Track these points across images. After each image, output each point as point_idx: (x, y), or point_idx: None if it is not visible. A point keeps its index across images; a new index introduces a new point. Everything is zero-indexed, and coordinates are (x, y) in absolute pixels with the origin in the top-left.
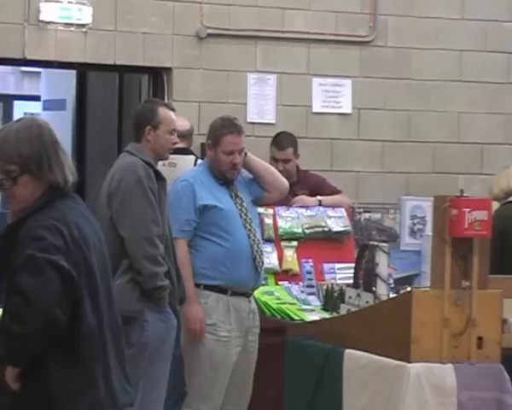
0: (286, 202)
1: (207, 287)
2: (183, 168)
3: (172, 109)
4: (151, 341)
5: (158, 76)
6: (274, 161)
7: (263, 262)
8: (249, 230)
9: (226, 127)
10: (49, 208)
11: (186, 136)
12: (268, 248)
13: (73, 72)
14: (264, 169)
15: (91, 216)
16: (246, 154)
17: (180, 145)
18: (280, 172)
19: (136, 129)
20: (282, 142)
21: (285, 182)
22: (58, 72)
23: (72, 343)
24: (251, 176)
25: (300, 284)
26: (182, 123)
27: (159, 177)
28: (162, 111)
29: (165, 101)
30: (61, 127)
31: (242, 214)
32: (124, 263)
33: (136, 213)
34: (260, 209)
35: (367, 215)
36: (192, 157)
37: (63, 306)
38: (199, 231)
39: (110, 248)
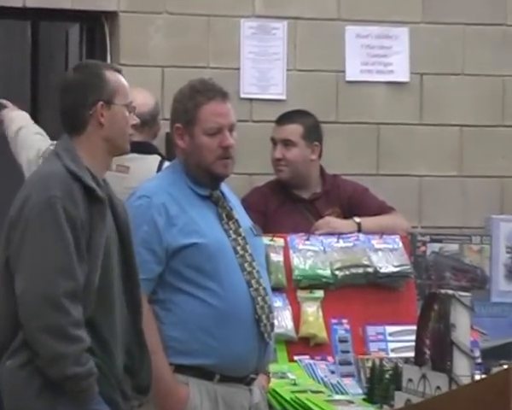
0: (304, 226)
1: (182, 369)
2: (140, 176)
3: (119, 71)
4: None
5: (95, 26)
6: (272, 144)
7: (272, 326)
8: (249, 273)
9: (202, 93)
10: None
11: (146, 121)
12: (277, 301)
13: None
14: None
15: None
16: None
17: (135, 138)
18: (277, 161)
19: (74, 112)
20: (286, 116)
21: None
22: None
23: None
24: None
25: (330, 359)
26: (142, 99)
27: (93, 197)
28: (112, 76)
29: (108, 63)
30: None
31: (239, 248)
32: (20, 336)
33: (36, 257)
34: (265, 239)
35: (436, 246)
36: (155, 157)
37: None
38: (170, 276)
39: (1, 311)
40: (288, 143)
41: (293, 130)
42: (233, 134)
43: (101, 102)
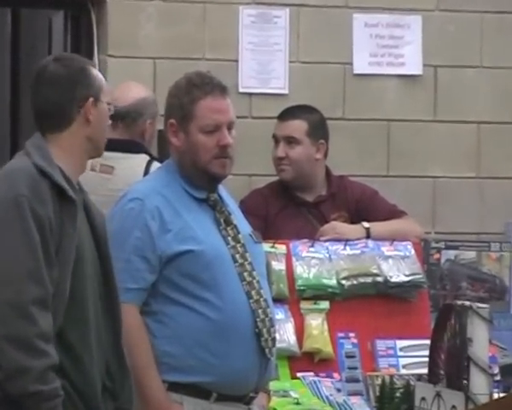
0: (308, 232)
1: (177, 387)
2: (125, 177)
3: (94, 66)
4: None
5: (81, 13)
6: (274, 142)
7: (274, 340)
8: (249, 283)
9: (199, 87)
10: None
11: (131, 115)
12: (278, 313)
13: None
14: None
15: None
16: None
17: (116, 135)
18: (279, 160)
19: (59, 108)
20: (289, 111)
21: None
22: None
23: None
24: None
25: (336, 376)
26: (120, 93)
27: (63, 198)
28: (95, 71)
29: (96, 56)
30: None
31: (238, 257)
32: None
33: (0, 260)
34: (265, 246)
35: (452, 254)
36: (143, 157)
37: None
38: (163, 286)
39: None
40: (291, 141)
41: (297, 126)
42: (232, 132)
43: (91, 99)
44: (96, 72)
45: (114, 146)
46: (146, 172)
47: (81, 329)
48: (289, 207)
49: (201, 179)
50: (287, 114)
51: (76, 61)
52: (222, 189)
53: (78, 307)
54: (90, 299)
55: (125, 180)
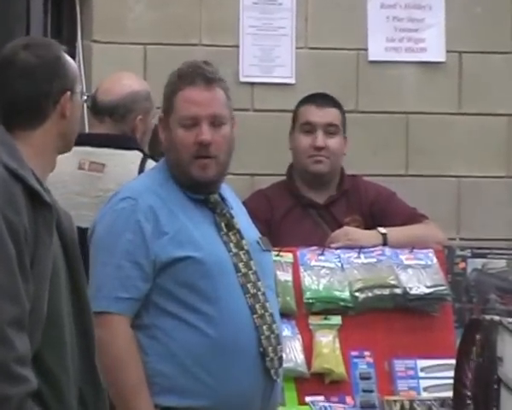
0: (317, 238)
1: None
2: (117, 175)
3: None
4: None
5: None
6: (304, 130)
7: (280, 360)
8: (253, 296)
9: (183, 78)
10: None
11: (119, 111)
12: (284, 329)
13: None
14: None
15: None
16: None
17: (103, 130)
18: (317, 151)
19: (33, 103)
20: (322, 96)
21: None
22: None
23: None
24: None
25: (349, 400)
26: (108, 85)
27: (38, 203)
28: (69, 58)
29: (79, 42)
30: None
31: (241, 265)
32: None
33: None
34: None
35: (479, 262)
36: (136, 154)
37: None
38: (156, 296)
39: None
40: (331, 130)
41: (336, 114)
42: (223, 129)
43: (69, 92)
44: (70, 59)
45: (104, 142)
46: (141, 169)
47: (58, 350)
48: (296, 210)
49: (187, 183)
50: (323, 100)
51: (49, 48)
52: (226, 188)
53: (53, 326)
54: (65, 315)
55: (117, 179)
